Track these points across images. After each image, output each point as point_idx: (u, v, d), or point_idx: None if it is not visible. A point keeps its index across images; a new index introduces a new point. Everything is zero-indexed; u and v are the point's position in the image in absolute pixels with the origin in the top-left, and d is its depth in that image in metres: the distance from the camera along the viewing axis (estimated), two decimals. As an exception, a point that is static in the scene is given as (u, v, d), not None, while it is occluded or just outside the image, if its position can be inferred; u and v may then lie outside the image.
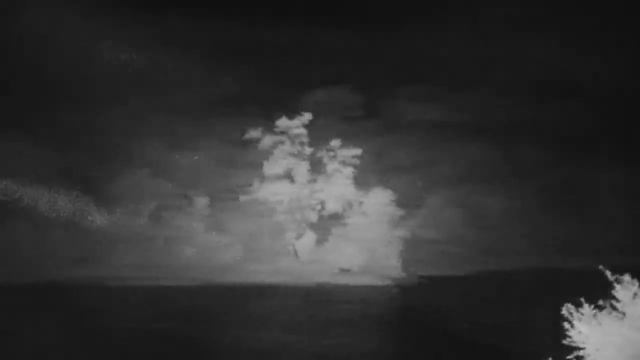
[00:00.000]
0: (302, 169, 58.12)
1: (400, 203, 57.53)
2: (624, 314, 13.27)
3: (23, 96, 64.16)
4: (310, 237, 57.55)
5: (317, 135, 60.54)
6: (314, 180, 58.33)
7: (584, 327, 12.79)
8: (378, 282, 53.69)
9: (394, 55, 61.48)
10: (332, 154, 58.40)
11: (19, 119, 61.65)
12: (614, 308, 13.25)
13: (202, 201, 59.76)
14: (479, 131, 63.35)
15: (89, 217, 57.79)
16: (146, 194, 59.81)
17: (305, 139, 58.51)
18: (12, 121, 60.12)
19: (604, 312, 13.17)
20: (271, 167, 58.34)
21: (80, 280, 52.14)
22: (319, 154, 58.63)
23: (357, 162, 58.42)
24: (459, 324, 39.74)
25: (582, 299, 10.65)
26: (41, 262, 54.26)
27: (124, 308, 43.20)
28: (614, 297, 13.38)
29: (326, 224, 58.42)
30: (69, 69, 61.55)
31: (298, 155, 58.37)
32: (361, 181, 58.91)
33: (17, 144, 58.55)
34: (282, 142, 58.32)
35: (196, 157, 61.49)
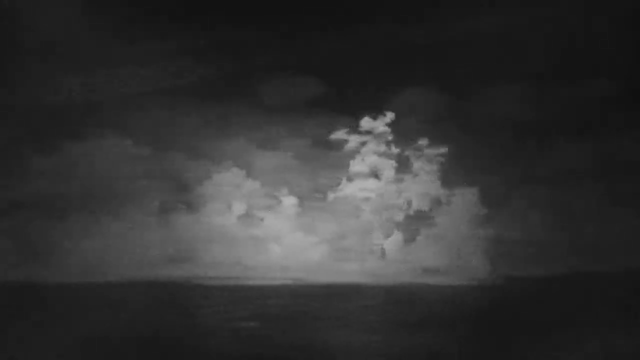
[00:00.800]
0: (388, 168, 57.92)
1: (487, 202, 56.69)
2: None
3: (118, 96, 66.28)
4: (396, 236, 57.31)
5: (403, 134, 60.27)
6: (400, 180, 58.09)
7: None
8: (464, 282, 53.08)
9: (480, 53, 60.58)
10: (418, 153, 58.03)
11: (115, 118, 63.68)
12: None
13: (289, 201, 60.37)
14: (570, 130, 62.01)
15: (180, 216, 59.16)
16: (235, 193, 60.82)
17: (391, 138, 58.33)
18: (109, 120, 62.23)
19: None
20: (357, 167, 58.39)
21: (171, 279, 53.45)
22: (405, 153, 58.33)
23: (443, 160, 57.86)
24: (546, 324, 39.07)
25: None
26: (133, 261, 55.86)
27: (214, 307, 43.96)
28: None
29: (412, 223, 58.05)
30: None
31: (384, 155, 58.24)
32: (447, 180, 58.36)
33: (113, 142, 60.50)
34: (367, 142, 58.29)
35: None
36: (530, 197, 61.98)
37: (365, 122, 58.37)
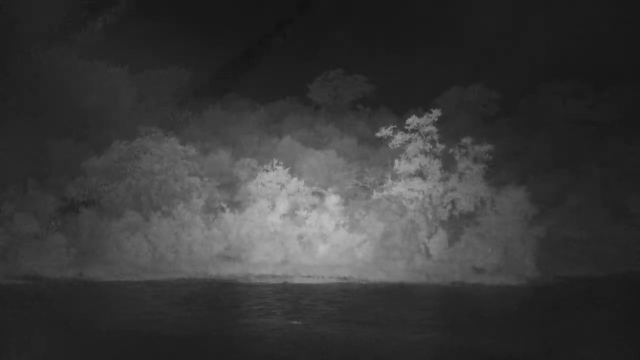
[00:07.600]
0: (434, 167, 57.36)
1: (536, 201, 55.87)
2: None
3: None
4: (442, 235, 56.78)
5: (450, 132, 59.85)
6: (446, 178, 57.53)
7: None
8: (513, 281, 52.44)
9: (530, 51, 60.01)
10: (464, 151, 57.33)
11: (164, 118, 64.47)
12: None
13: (334, 199, 60.15)
14: (623, 128, 61.17)
15: (226, 215, 59.33)
16: (281, 191, 60.82)
17: (437, 137, 57.75)
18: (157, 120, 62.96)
19: None
20: (403, 165, 57.87)
21: (216, 278, 53.69)
22: (451, 151, 57.72)
23: (491, 159, 57.12)
24: (599, 324, 38.64)
25: None
26: (183, 259, 56.24)
27: (260, 305, 44.07)
28: None
29: (458, 222, 57.56)
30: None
31: (430, 153, 57.68)
32: (495, 179, 57.74)
33: (161, 142, 61.01)
34: (413, 140, 57.75)
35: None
36: (585, 196, 61.19)
37: (412, 120, 57.79)
